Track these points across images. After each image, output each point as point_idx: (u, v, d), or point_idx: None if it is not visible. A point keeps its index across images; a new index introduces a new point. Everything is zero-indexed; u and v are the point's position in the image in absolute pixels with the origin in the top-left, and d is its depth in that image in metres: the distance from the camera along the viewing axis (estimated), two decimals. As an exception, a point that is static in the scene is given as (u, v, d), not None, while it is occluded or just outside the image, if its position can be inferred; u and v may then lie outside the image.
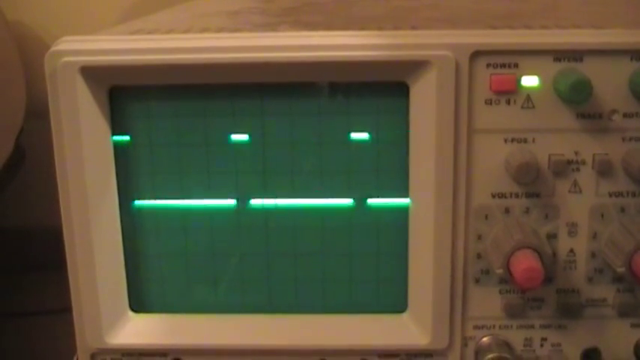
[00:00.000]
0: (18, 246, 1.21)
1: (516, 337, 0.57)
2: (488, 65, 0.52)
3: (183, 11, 0.74)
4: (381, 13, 0.69)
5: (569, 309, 0.56)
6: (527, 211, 0.54)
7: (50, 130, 0.54)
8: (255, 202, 0.57)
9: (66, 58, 0.52)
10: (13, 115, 1.04)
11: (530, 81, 0.52)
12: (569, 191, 0.54)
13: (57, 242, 0.58)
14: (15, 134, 1.03)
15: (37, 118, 0.84)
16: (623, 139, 0.53)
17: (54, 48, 0.53)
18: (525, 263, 0.51)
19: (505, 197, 0.54)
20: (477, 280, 0.56)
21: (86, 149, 0.54)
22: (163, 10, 0.75)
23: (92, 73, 0.53)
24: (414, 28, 0.57)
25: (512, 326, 0.57)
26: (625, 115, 0.52)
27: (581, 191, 0.54)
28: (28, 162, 1.09)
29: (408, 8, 0.71)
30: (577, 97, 0.51)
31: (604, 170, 0.53)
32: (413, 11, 0.69)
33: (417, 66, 0.52)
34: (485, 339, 0.57)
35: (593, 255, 0.55)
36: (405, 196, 0.56)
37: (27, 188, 1.16)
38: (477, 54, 0.52)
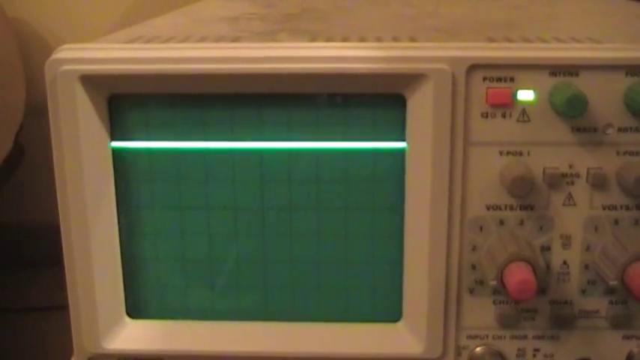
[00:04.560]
0: (15, 243, 1.21)
1: (509, 348, 0.57)
2: (484, 79, 0.52)
3: (183, 16, 0.74)
4: (380, 21, 0.69)
5: (562, 320, 0.56)
6: (521, 223, 0.55)
7: (49, 128, 0.54)
8: (252, 209, 0.57)
9: (66, 67, 0.53)
10: (13, 112, 1.04)
11: (526, 95, 0.52)
12: (564, 204, 0.54)
13: (54, 240, 0.59)
14: (14, 131, 1.03)
15: (36, 116, 0.84)
16: (618, 153, 0.53)
17: (54, 56, 0.53)
18: (519, 276, 0.51)
19: (500, 209, 0.55)
20: (471, 291, 0.56)
21: (85, 155, 0.54)
22: (164, 15, 0.76)
23: (92, 82, 0.53)
24: (412, 38, 0.57)
25: (505, 336, 0.57)
26: (620, 130, 0.53)
27: (575, 204, 0.54)
28: (26, 159, 1.10)
29: (407, 16, 0.72)
30: (572, 111, 0.51)
31: (598, 183, 0.54)
32: (412, 20, 0.69)
33: (414, 79, 0.52)
34: (478, 349, 0.57)
35: (586, 267, 0.55)
36: (401, 206, 0.56)
37: (25, 185, 1.16)
38: (473, 67, 0.52)
